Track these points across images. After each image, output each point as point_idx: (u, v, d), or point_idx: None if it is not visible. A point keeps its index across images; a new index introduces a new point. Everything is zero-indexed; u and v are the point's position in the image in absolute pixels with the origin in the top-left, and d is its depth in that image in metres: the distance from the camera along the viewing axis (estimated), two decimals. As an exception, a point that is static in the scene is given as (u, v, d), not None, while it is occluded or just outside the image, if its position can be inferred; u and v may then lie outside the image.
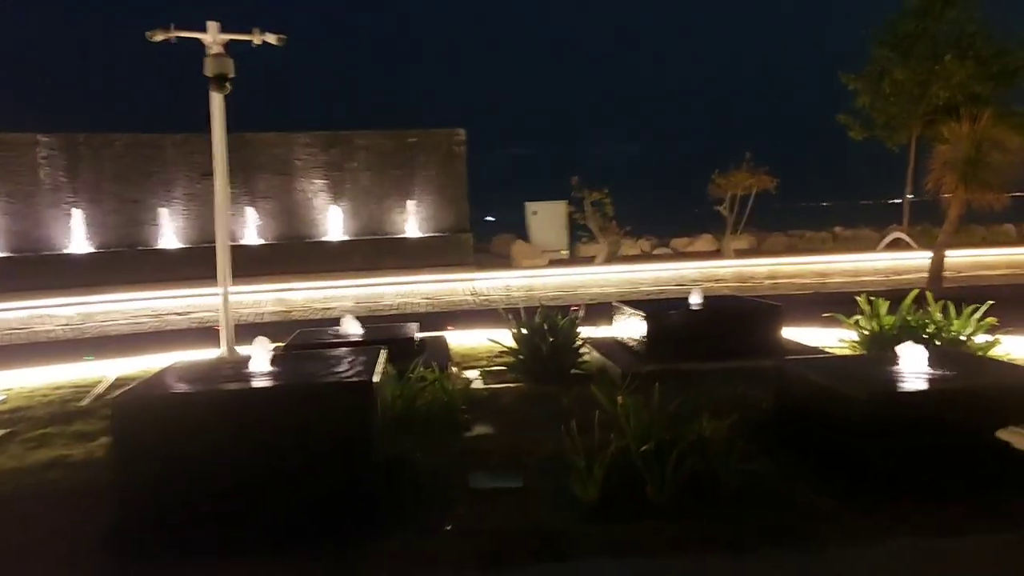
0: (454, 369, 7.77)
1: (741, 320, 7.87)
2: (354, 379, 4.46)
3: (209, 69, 7.18)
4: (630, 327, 8.02)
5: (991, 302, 7.23)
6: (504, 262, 22.23)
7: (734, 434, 4.63)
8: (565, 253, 23.96)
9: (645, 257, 23.86)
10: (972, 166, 10.02)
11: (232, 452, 4.08)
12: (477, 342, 9.36)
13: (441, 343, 8.39)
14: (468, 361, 8.54)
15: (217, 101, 7.34)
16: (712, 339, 7.51)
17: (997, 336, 6.98)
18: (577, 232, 23.68)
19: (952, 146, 10.41)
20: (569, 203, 23.01)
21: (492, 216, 48.80)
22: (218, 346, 7.59)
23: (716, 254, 22.89)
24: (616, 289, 16.42)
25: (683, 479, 4.25)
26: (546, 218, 24.40)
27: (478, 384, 7.38)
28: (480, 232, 28.33)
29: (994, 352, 6.82)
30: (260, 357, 4.78)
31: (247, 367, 4.77)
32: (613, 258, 21.71)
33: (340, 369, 4.75)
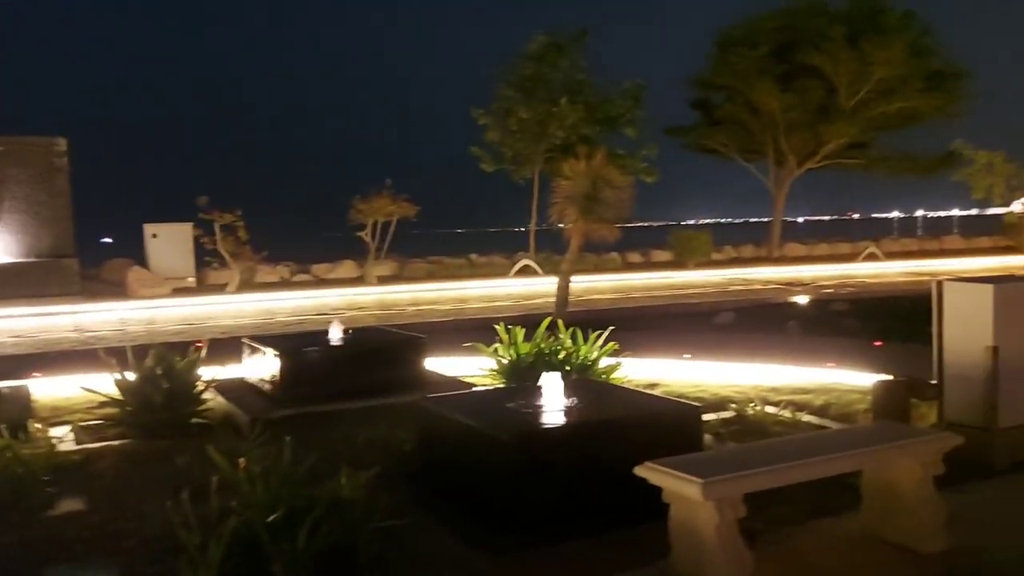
0: (37, 427, 6.31)
1: (383, 353, 7.48)
2: None
3: None
4: (261, 365, 7.20)
5: (612, 327, 7.68)
6: (119, 291, 19.67)
7: (377, 487, 4.14)
8: (192, 281, 21.92)
9: (284, 284, 22.76)
10: (590, 201, 10.84)
11: None
12: (76, 391, 7.81)
13: (21, 395, 6.80)
14: (60, 415, 7.05)
15: None
16: (353, 376, 7.00)
17: (618, 360, 7.41)
18: (205, 257, 21.80)
19: (572, 182, 11.17)
20: (196, 225, 21.07)
21: (109, 238, 43.73)
22: None
23: (359, 281, 22.59)
24: (251, 320, 15.24)
25: (318, 551, 3.63)
26: (168, 242, 22.08)
27: (68, 445, 6.04)
28: (95, 256, 24.93)
29: (616, 375, 7.21)
30: None
31: None
32: (248, 285, 20.33)
33: None
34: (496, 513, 4.31)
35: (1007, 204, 19.18)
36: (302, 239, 48.24)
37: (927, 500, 3.78)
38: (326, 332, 7.47)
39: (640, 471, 3.54)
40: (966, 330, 5.33)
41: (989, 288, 5.24)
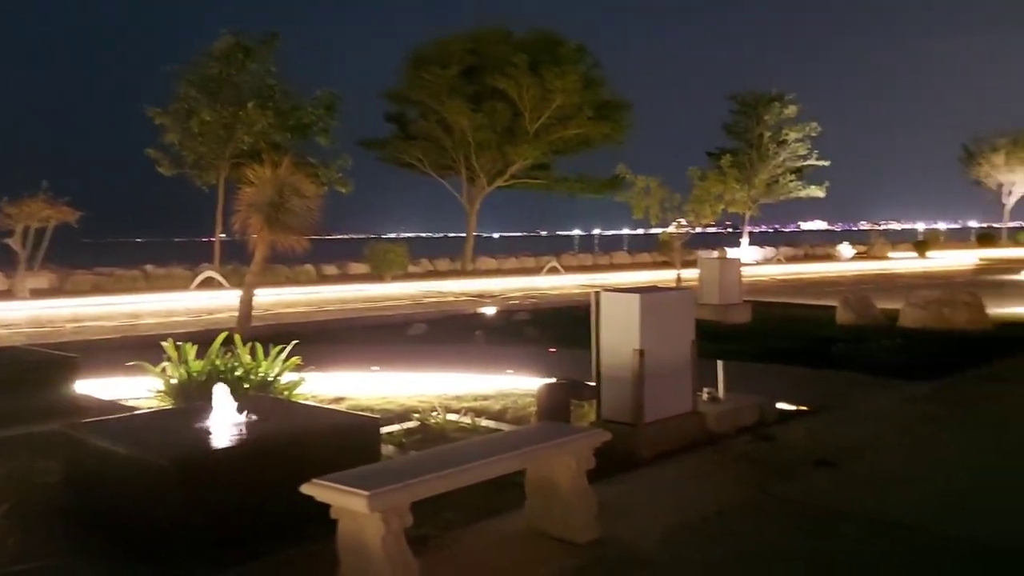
0: None
1: (24, 377, 6.53)
2: None
3: None
4: None
5: (296, 341, 7.42)
6: None
7: (12, 527, 3.57)
8: None
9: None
10: (275, 209, 10.42)
11: None
12: None
13: None
14: None
15: None
16: (-16, 404, 6.01)
17: (302, 375, 7.17)
18: None
19: (257, 189, 10.68)
20: None
21: None
22: None
23: (6, 294, 19.72)
24: None
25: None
26: None
27: None
28: None
29: (299, 391, 6.96)
30: None
31: None
32: None
33: None
34: (156, 545, 3.92)
35: (663, 224, 21.76)
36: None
37: (581, 493, 4.07)
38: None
39: (307, 489, 3.40)
40: (618, 335, 5.88)
41: (636, 298, 5.82)
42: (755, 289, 20.65)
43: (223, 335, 7.35)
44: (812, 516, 4.53)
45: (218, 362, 6.80)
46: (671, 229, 21.21)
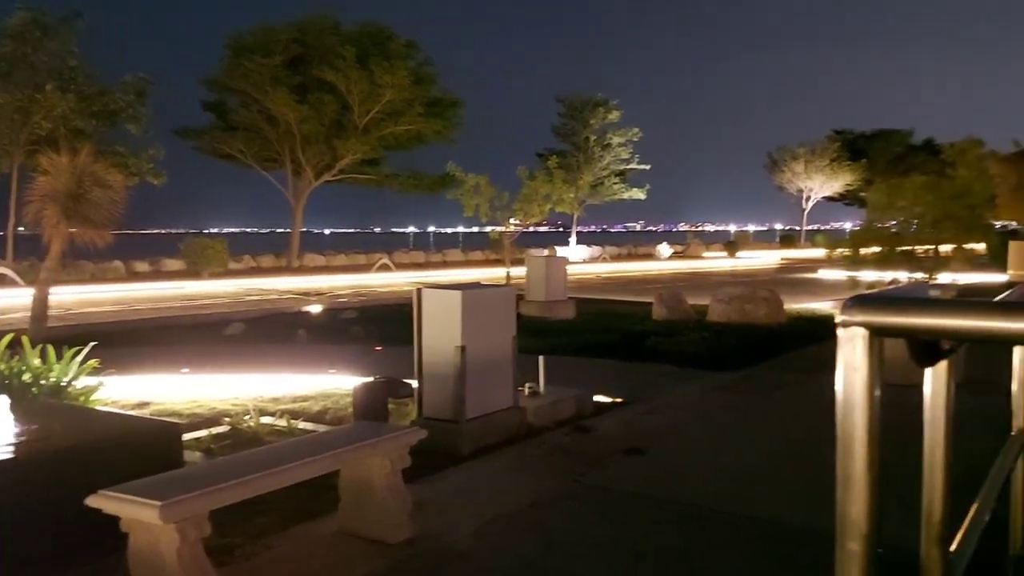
0: None
1: None
2: None
3: None
4: None
5: (94, 343, 6.87)
6: None
7: None
8: None
9: None
10: (74, 201, 9.60)
11: None
12: None
13: None
14: None
15: None
16: None
17: (101, 379, 6.64)
18: None
19: (52, 179, 9.80)
20: None
21: None
22: None
23: None
24: None
25: None
26: None
27: None
28: None
29: (97, 397, 6.45)
30: None
31: None
32: None
33: None
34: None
35: (493, 222, 22.04)
36: None
37: (395, 493, 4.02)
38: None
39: (93, 501, 3.14)
40: (440, 332, 5.87)
41: (458, 294, 5.84)
42: (582, 286, 21.38)
43: (8, 336, 6.68)
44: (620, 502, 4.72)
45: (2, 366, 6.17)
46: (501, 228, 21.53)
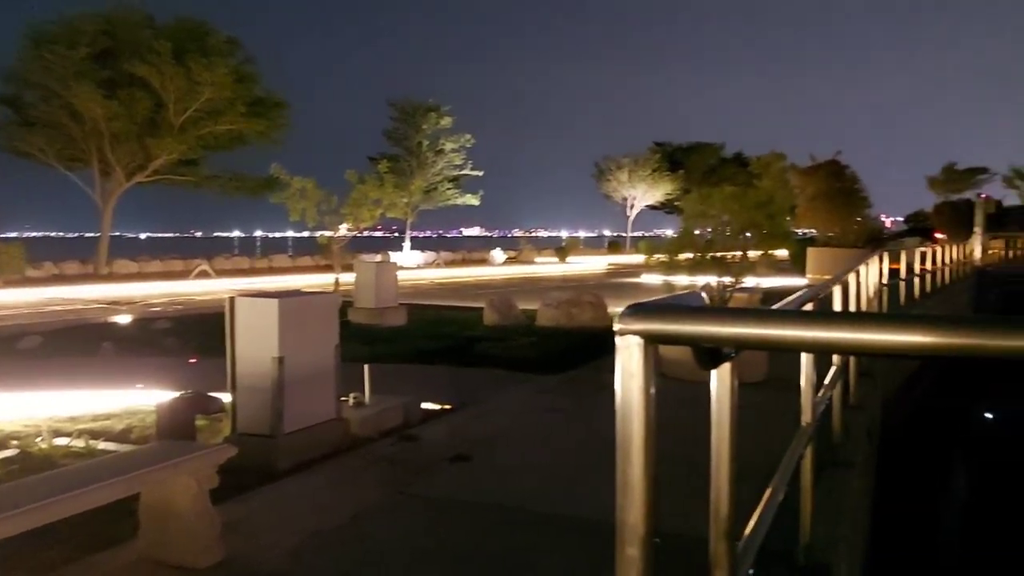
0: None
1: None
2: None
3: None
4: None
5: None
6: None
7: None
8: None
9: None
10: None
11: None
12: None
13: None
14: None
15: None
16: None
17: None
18: None
19: None
20: None
21: None
22: None
23: None
24: None
25: None
26: None
27: None
28: None
29: None
30: None
31: None
32: None
33: None
34: None
35: (322, 228, 21.45)
36: None
37: (202, 515, 3.78)
38: None
39: None
40: (256, 343, 5.61)
41: (274, 303, 5.60)
42: (416, 292, 21.27)
43: None
44: (446, 510, 4.69)
45: None
46: (330, 232, 21.02)
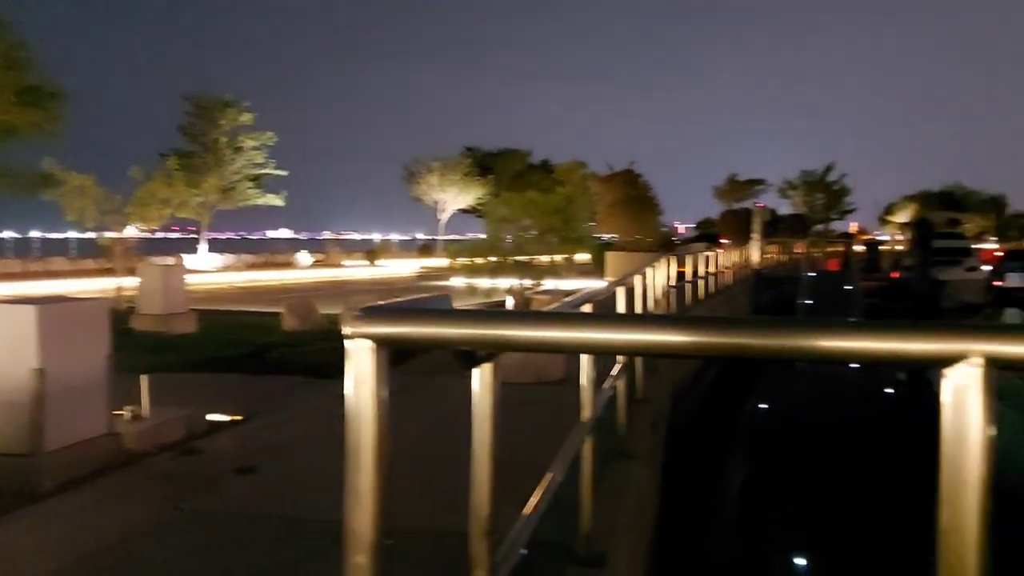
0: None
1: None
2: None
3: None
4: None
5: None
6: None
7: None
8: None
9: None
10: None
11: None
12: None
13: None
14: None
15: None
16: None
17: None
18: None
19: None
20: None
21: None
22: None
23: None
24: None
25: None
26: None
27: None
28: None
29: None
30: None
31: None
32: None
33: None
34: None
35: (103, 228, 19.82)
36: None
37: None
38: None
39: None
40: (11, 354, 5.08)
41: (32, 310, 5.10)
42: (211, 297, 20.18)
43: None
44: (225, 525, 4.46)
45: None
46: (112, 233, 19.47)
